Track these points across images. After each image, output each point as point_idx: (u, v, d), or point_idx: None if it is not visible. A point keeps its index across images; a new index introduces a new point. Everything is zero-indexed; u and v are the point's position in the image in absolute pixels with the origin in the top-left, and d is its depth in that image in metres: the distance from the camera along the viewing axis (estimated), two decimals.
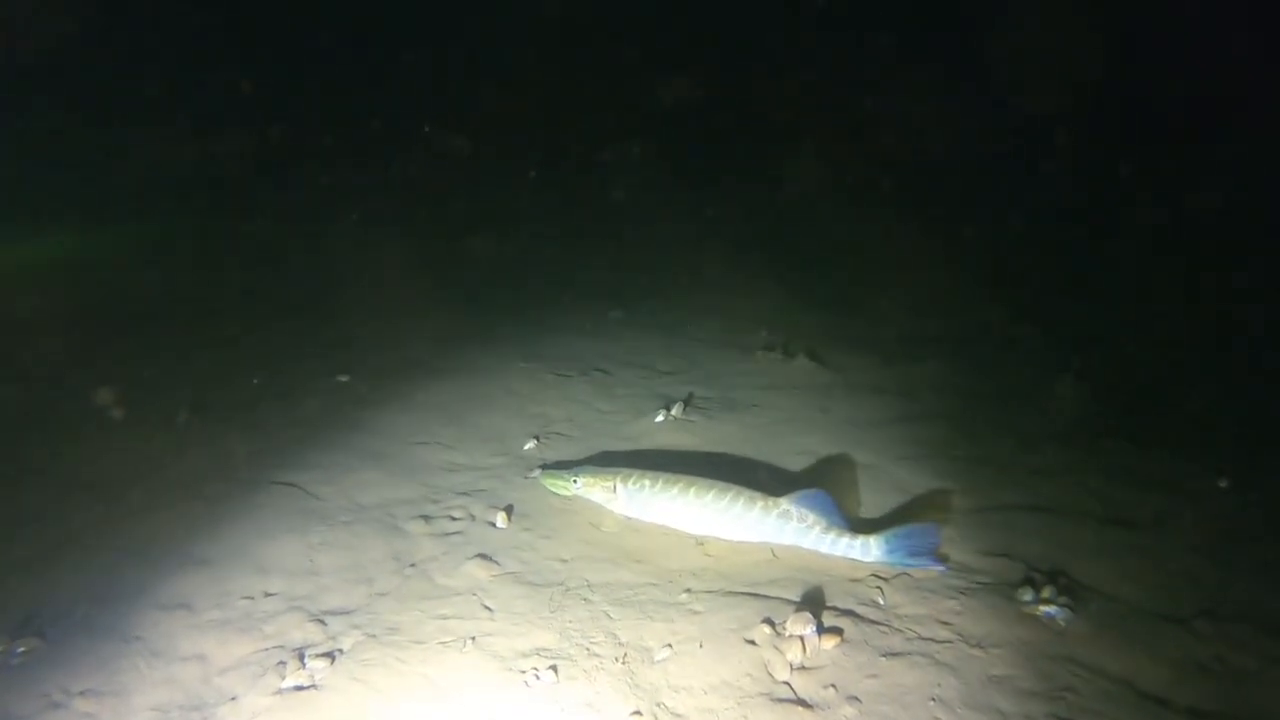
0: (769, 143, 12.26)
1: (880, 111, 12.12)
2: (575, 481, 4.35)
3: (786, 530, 3.94)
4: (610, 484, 4.25)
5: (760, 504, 3.98)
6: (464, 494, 4.66)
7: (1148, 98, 11.19)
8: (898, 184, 11.12)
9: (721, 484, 4.09)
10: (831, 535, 3.86)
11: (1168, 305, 7.75)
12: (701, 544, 4.13)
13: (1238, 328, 7.18)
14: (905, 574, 3.80)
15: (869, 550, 3.81)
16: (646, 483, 4.17)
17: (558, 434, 5.32)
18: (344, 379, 6.34)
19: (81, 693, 3.22)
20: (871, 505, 4.50)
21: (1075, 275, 8.70)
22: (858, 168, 11.57)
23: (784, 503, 3.95)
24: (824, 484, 4.70)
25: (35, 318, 7.46)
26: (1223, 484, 4.64)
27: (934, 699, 3.09)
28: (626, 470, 4.28)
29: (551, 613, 3.62)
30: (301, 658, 3.37)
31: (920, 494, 4.55)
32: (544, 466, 4.77)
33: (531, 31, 14.02)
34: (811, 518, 3.88)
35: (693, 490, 4.08)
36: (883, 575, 3.81)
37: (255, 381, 6.25)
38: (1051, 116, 11.18)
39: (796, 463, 4.99)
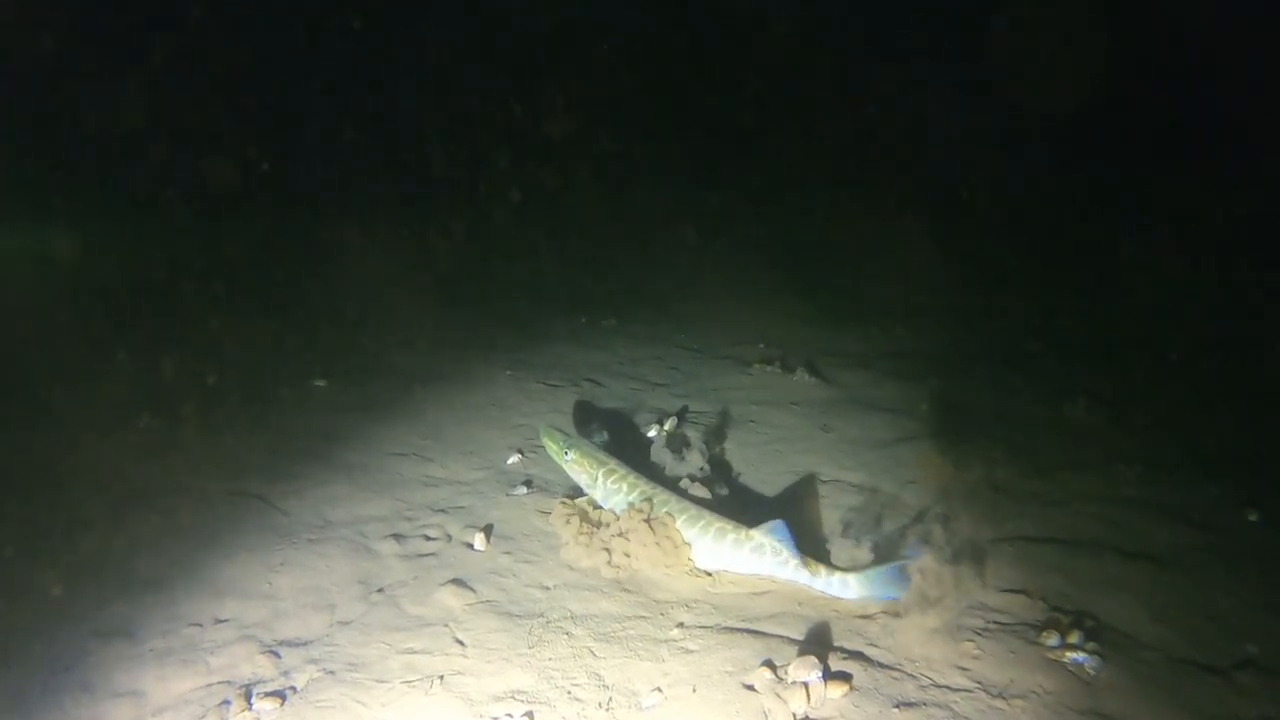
0: (767, 149, 12.00)
1: (885, 116, 11.89)
2: (567, 454, 4.27)
3: (762, 563, 3.75)
4: (594, 473, 4.15)
5: (732, 536, 3.79)
6: (441, 511, 4.33)
7: (1166, 100, 10.97)
8: (902, 191, 10.85)
9: (695, 510, 3.92)
10: (808, 571, 3.68)
11: (1185, 322, 7.49)
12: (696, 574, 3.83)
13: (1264, 347, 6.91)
14: None
15: (848, 588, 3.62)
16: (624, 487, 4.04)
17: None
18: (321, 383, 6.02)
19: None
20: (876, 534, 4.18)
21: (1086, 289, 8.46)
22: (861, 175, 11.31)
23: (757, 535, 3.74)
24: (824, 509, 4.46)
25: None
26: (1252, 517, 4.35)
27: None
28: (614, 465, 4.16)
29: (530, 648, 3.29)
30: (248, 697, 3.03)
31: (928, 523, 4.25)
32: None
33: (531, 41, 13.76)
34: (786, 552, 3.70)
35: (663, 513, 3.88)
36: (893, 611, 3.50)
37: (225, 384, 5.91)
38: (1064, 119, 10.94)
39: (794, 486, 4.70)
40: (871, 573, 3.62)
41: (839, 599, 3.62)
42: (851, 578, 3.62)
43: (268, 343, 6.78)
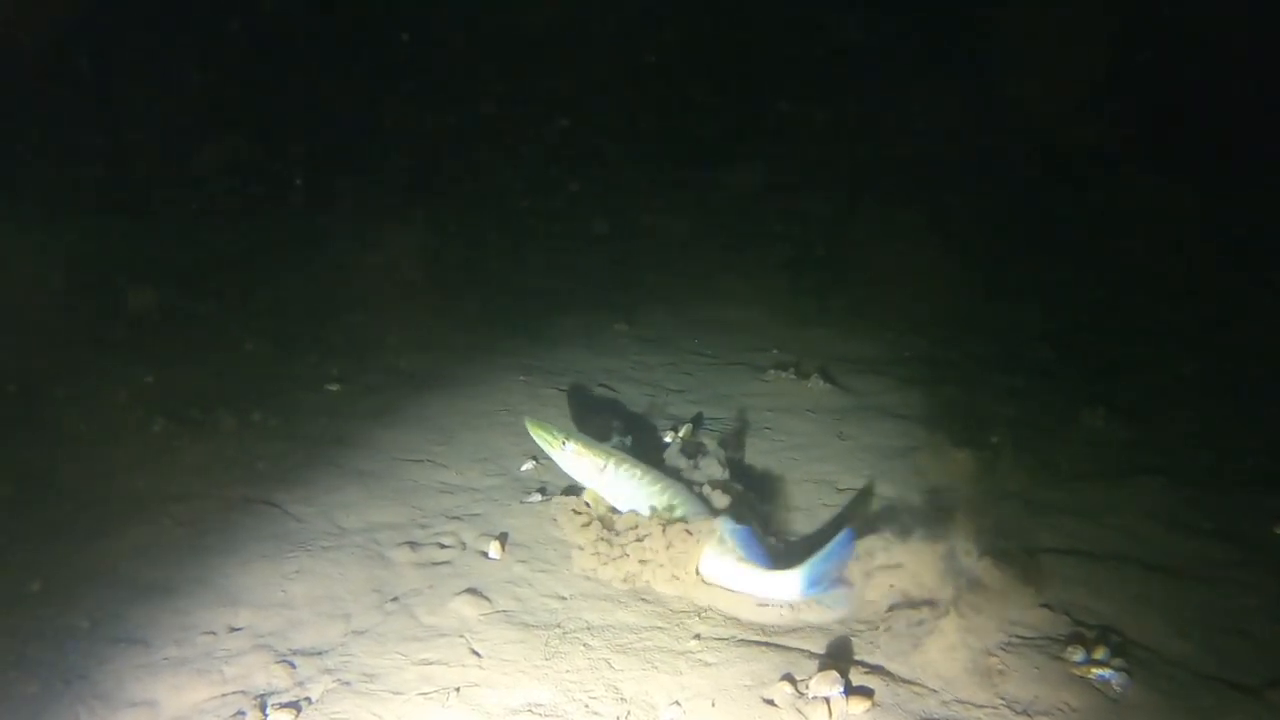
0: (781, 154, 11.95)
1: (902, 121, 11.82)
2: (565, 444, 4.02)
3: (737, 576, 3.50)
4: (602, 462, 3.96)
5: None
6: (455, 518, 4.30)
7: (1185, 100, 10.82)
8: (915, 195, 10.77)
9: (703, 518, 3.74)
10: (747, 568, 3.43)
11: (1209, 329, 7.39)
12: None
13: None
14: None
15: (789, 587, 3.34)
16: (638, 473, 3.88)
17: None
18: (334, 388, 5.99)
19: None
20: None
21: (1105, 295, 8.36)
22: (874, 177, 11.24)
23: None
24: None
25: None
26: (1278, 530, 4.28)
27: None
28: (623, 455, 4.00)
29: (546, 660, 3.25)
30: (263, 708, 3.00)
31: (947, 533, 4.19)
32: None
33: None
34: (736, 555, 3.44)
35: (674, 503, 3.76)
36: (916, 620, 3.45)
37: (237, 389, 5.89)
38: (1078, 118, 10.81)
39: (812, 493, 4.65)
40: (812, 564, 3.29)
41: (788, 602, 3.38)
42: (793, 574, 3.29)
43: (280, 347, 6.76)
